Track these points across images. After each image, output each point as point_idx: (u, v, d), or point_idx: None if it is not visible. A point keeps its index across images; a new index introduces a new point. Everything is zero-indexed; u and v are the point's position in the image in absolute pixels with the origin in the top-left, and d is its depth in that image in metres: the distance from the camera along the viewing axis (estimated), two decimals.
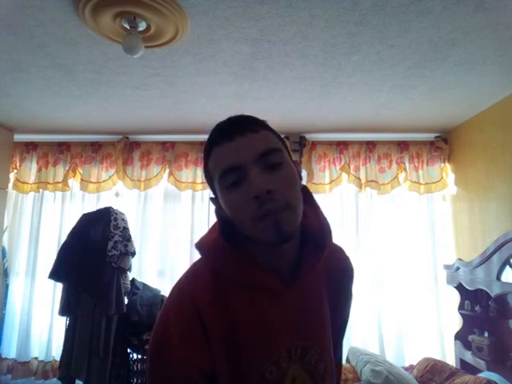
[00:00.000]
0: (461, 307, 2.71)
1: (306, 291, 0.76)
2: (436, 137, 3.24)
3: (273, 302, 0.73)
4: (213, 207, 0.79)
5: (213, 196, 0.78)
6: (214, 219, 0.80)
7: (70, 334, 2.62)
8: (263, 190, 0.65)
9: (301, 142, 3.25)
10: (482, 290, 2.45)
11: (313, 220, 0.76)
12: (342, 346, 0.93)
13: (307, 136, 3.28)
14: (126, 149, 3.36)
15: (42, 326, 3.26)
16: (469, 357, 2.55)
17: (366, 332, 3.07)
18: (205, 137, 0.74)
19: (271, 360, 0.70)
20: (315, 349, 0.75)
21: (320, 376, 0.76)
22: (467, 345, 2.61)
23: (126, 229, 2.80)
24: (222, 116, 0.74)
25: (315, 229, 0.76)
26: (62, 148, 3.42)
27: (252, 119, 0.73)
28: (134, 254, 2.82)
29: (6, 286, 3.31)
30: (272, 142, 0.71)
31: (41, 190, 3.40)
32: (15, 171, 3.42)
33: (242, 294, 0.72)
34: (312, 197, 0.80)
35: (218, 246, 0.74)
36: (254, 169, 0.67)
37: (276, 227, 0.65)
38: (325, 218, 0.78)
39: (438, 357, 2.82)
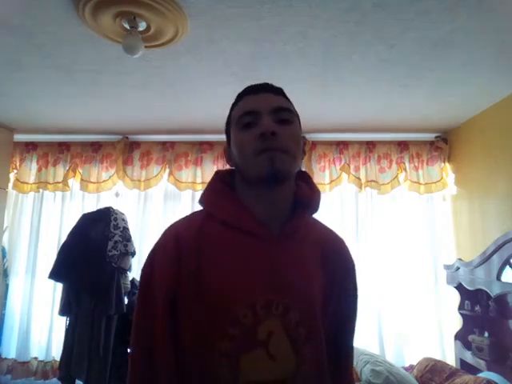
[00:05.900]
0: (461, 307, 2.71)
1: (291, 249, 0.79)
2: (436, 137, 3.24)
3: (255, 247, 0.77)
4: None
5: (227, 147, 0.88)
6: None
7: (70, 334, 2.61)
8: (269, 130, 0.75)
9: None
10: (481, 290, 2.45)
11: (305, 190, 0.85)
12: (351, 347, 0.90)
13: (307, 136, 3.27)
14: (126, 149, 3.36)
15: (42, 326, 3.26)
16: (469, 357, 2.55)
17: (366, 332, 3.07)
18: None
19: (246, 303, 0.73)
20: (297, 310, 0.75)
21: (301, 340, 0.74)
22: (467, 345, 2.61)
23: (126, 229, 2.80)
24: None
25: (306, 195, 0.84)
26: (62, 148, 3.42)
27: (278, 88, 0.85)
28: (134, 254, 2.81)
29: (6, 286, 3.31)
30: (287, 104, 0.84)
31: (41, 190, 3.40)
32: (15, 171, 3.42)
33: (227, 234, 0.78)
34: (310, 179, 0.89)
35: (216, 187, 0.85)
36: (267, 116, 0.78)
37: (271, 162, 0.74)
38: (317, 191, 0.87)
39: (438, 357, 2.82)
